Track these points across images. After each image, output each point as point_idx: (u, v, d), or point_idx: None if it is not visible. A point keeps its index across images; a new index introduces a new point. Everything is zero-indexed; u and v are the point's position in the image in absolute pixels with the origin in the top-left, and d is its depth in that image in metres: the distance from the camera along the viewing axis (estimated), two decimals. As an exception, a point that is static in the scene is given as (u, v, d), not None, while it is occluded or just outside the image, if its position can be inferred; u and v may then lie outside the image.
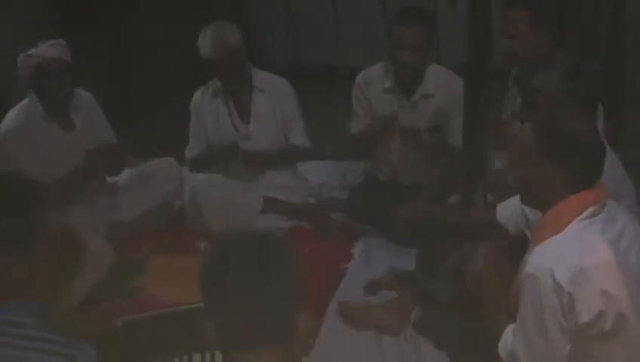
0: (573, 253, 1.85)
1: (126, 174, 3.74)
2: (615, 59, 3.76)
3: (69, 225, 2.94)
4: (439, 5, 4.60)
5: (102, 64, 4.37)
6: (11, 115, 3.37)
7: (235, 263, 1.44)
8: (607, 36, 3.79)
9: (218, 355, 2.27)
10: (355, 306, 2.95)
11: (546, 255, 1.88)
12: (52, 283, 1.76)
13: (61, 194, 3.24)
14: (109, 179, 3.69)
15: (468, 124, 2.75)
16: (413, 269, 3.01)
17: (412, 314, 2.80)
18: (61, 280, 1.82)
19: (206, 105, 3.59)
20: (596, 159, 1.94)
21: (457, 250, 2.66)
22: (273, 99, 3.57)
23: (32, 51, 3.23)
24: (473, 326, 2.36)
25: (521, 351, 1.94)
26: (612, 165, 2.22)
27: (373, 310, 2.91)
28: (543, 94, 2.34)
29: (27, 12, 4.55)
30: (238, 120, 3.58)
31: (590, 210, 1.91)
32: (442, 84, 3.34)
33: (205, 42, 3.39)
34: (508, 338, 2.03)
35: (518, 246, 2.24)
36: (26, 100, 3.39)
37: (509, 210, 2.44)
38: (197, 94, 3.64)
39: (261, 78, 3.59)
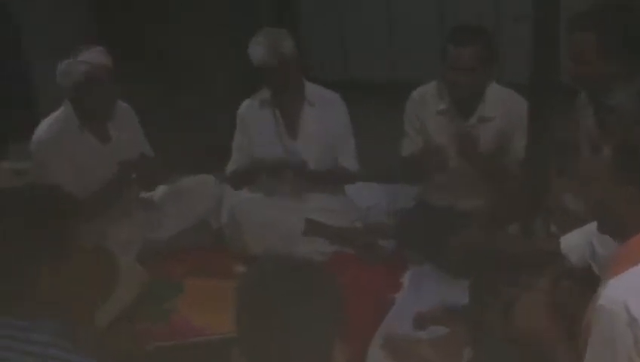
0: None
1: (161, 190, 3.79)
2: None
3: (102, 241, 3.02)
4: (502, 18, 4.58)
5: (140, 73, 4.44)
6: (45, 124, 3.44)
7: (271, 291, 1.46)
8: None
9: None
10: (402, 340, 2.93)
11: (621, 287, 1.86)
12: (81, 301, 1.80)
13: (94, 208, 3.29)
14: (143, 195, 3.74)
15: (531, 147, 2.74)
16: (467, 303, 2.96)
17: (464, 352, 2.77)
18: (91, 298, 1.85)
19: (253, 116, 3.63)
20: None
21: (515, 284, 2.63)
22: (324, 114, 3.60)
23: (82, 57, 3.30)
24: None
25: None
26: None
27: (422, 346, 2.89)
28: (621, 114, 2.31)
29: (62, 21, 4.66)
30: (285, 134, 3.61)
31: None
32: (503, 106, 3.32)
33: (258, 48, 3.43)
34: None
35: (583, 279, 2.22)
36: (60, 109, 3.46)
37: (575, 241, 2.43)
38: (246, 102, 3.68)
39: (312, 90, 3.63)
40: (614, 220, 1.97)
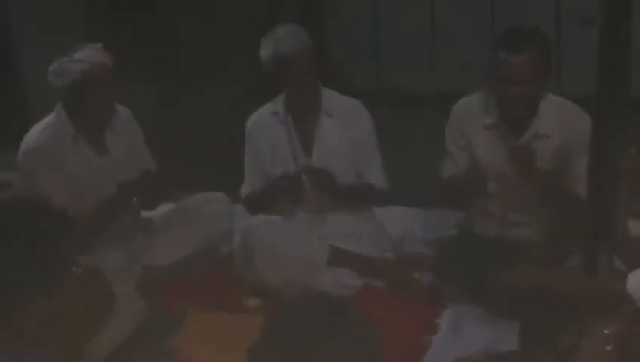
0: None
1: (164, 209, 3.80)
2: None
3: (96, 267, 2.99)
4: (563, 22, 4.54)
5: (143, 74, 4.45)
6: (34, 132, 3.45)
7: (299, 334, 1.48)
8: None
9: None
10: (439, 390, 2.91)
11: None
12: (70, 333, 1.77)
13: (87, 231, 3.30)
14: (143, 214, 3.74)
15: (595, 169, 2.69)
16: (515, 350, 2.96)
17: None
18: (81, 331, 1.83)
19: (262, 130, 3.65)
20: None
21: (574, 329, 2.58)
22: (344, 125, 3.61)
23: (78, 55, 3.31)
24: None
25: None
26: None
27: (462, 397, 2.87)
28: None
29: (60, 12, 4.69)
30: (300, 149, 3.62)
31: None
32: (562, 121, 3.30)
33: (268, 45, 3.45)
34: None
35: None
36: (52, 115, 3.47)
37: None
38: (253, 117, 3.70)
39: (330, 99, 3.63)
40: None
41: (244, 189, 3.71)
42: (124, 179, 3.44)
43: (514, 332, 3.00)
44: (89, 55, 3.31)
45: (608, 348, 2.33)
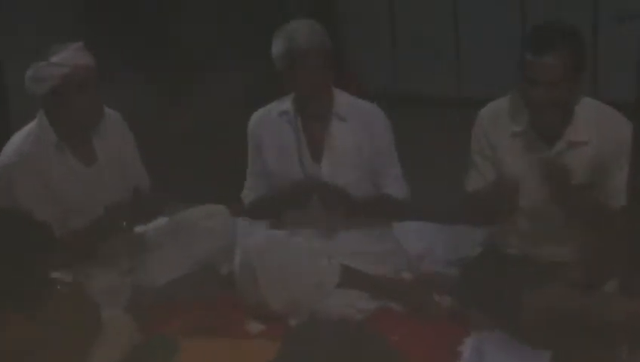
0: None
1: (159, 223, 3.80)
2: None
3: (83, 288, 3.00)
4: (600, 19, 4.53)
5: (135, 75, 4.47)
6: (15, 141, 3.47)
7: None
8: None
9: None
10: None
11: None
12: (55, 357, 1.77)
13: (75, 250, 3.32)
14: (135, 231, 3.73)
15: (635, 181, 2.70)
16: None
17: None
18: (67, 355, 1.83)
19: (268, 129, 3.66)
20: None
21: (612, 358, 2.62)
22: (358, 131, 3.62)
23: (57, 58, 3.31)
24: None
25: None
26: None
27: None
28: None
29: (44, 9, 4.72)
30: (308, 155, 3.63)
31: None
32: (599, 128, 3.28)
33: (279, 41, 3.47)
34: None
35: None
36: (34, 122, 3.48)
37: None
38: (257, 114, 3.72)
39: (344, 101, 3.65)
40: None
41: (246, 194, 3.73)
42: (113, 195, 3.45)
43: (544, 360, 2.99)
44: (69, 57, 3.32)
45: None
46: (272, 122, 3.66)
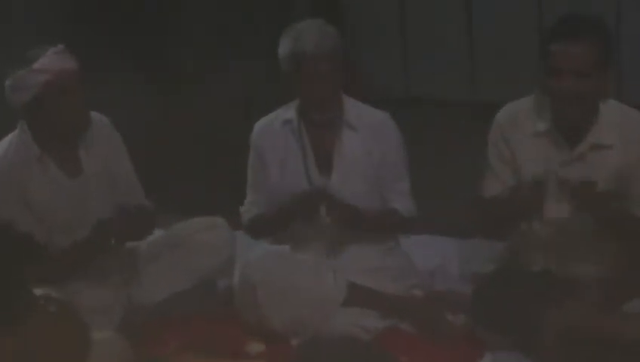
0: None
1: (153, 237, 3.78)
2: None
3: (70, 306, 3.02)
4: (624, 9, 4.52)
5: (128, 77, 4.49)
6: None
7: None
8: None
9: None
10: None
11: None
12: None
13: (60, 269, 3.33)
14: (128, 245, 3.73)
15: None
16: None
17: None
18: None
19: (271, 140, 3.66)
20: None
21: None
22: (369, 141, 3.63)
23: (37, 64, 3.31)
24: None
25: None
26: None
27: None
28: None
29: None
30: (314, 167, 3.63)
31: None
32: (625, 131, 3.30)
33: (287, 42, 3.47)
34: None
35: None
36: (12, 134, 3.48)
37: None
38: (260, 124, 3.72)
39: (354, 109, 3.65)
40: None
41: (247, 209, 3.72)
42: (101, 210, 3.45)
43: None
44: (50, 62, 3.32)
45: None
46: (275, 132, 3.65)
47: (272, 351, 3.42)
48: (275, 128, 3.67)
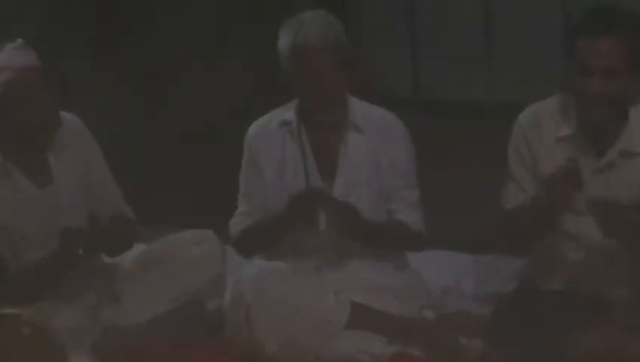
0: None
1: (135, 252, 3.79)
2: None
3: (44, 329, 3.00)
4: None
5: (110, 74, 4.50)
6: None
7: None
8: None
9: None
10: None
11: None
12: None
13: (26, 287, 3.34)
14: (106, 260, 3.75)
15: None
16: None
17: None
18: None
19: (267, 143, 3.67)
20: None
21: None
22: (376, 145, 3.64)
23: None
24: None
25: None
26: None
27: None
28: None
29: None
30: (316, 173, 3.63)
31: None
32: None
33: (290, 35, 3.48)
34: None
35: None
36: None
37: None
38: (255, 126, 3.74)
39: (360, 109, 3.66)
40: None
41: (238, 221, 3.71)
42: (74, 222, 3.44)
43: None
44: (10, 59, 3.34)
45: None
46: (271, 135, 3.67)
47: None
48: (271, 130, 3.68)
